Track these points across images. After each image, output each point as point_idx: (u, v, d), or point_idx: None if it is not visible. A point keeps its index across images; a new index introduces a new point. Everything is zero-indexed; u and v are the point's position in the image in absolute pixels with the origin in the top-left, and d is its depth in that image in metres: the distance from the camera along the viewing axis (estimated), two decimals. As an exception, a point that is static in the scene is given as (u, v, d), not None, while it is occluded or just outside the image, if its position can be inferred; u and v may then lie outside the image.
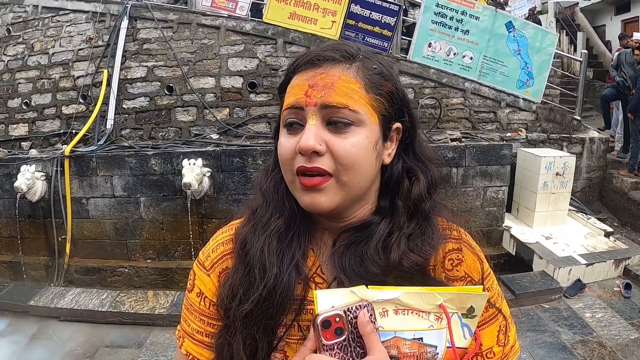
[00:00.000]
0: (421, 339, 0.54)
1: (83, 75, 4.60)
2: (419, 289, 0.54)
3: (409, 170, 0.63)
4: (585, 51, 4.87)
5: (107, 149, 4.12)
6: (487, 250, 4.21)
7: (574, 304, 3.56)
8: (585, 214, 4.59)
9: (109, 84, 4.37)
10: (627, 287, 3.61)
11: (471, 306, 0.55)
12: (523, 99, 4.43)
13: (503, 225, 4.17)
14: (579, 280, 3.70)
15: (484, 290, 0.57)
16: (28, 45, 4.99)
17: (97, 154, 3.99)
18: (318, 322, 0.50)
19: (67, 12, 4.84)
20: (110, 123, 4.32)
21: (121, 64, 4.40)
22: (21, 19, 5.07)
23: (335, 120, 0.56)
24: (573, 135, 4.57)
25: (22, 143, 4.86)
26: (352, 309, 0.51)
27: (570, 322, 3.32)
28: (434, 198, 0.64)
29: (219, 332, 0.64)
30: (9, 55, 5.07)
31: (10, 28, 5.13)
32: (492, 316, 0.64)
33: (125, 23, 4.48)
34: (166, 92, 4.22)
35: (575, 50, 6.12)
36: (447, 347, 0.55)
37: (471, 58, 4.23)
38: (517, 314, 3.43)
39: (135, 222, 3.96)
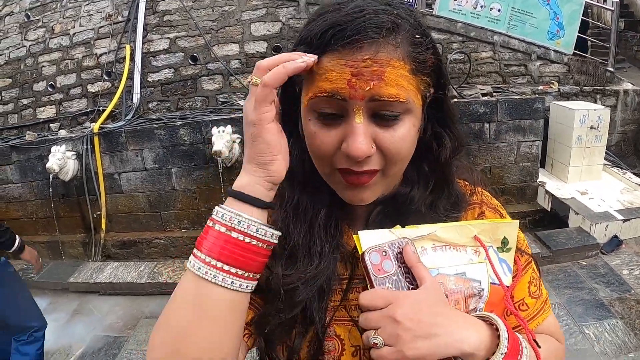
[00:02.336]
0: (464, 273, 0.53)
1: (106, 53, 4.61)
2: (452, 223, 0.54)
3: (437, 135, 0.59)
4: (617, 0, 4.66)
5: (135, 123, 4.15)
6: (522, 207, 4.13)
7: (611, 261, 3.49)
8: (621, 168, 4.47)
9: (132, 59, 4.38)
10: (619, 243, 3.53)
11: (504, 237, 0.55)
12: (554, 50, 4.28)
13: (537, 180, 4.09)
14: (615, 236, 3.63)
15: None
16: (48, 28, 5.01)
17: (126, 129, 4.02)
18: (367, 257, 0.49)
19: (84, -9, 4.83)
20: (136, 97, 4.34)
21: (143, 38, 4.39)
22: (39, 3, 5.09)
23: (383, 114, 0.50)
24: (606, 88, 4.42)
25: (50, 125, 4.93)
26: (395, 243, 0.51)
27: (608, 279, 3.27)
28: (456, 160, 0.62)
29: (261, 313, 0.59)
30: (31, 40, 5.10)
31: (29, 13, 5.16)
32: (526, 264, 0.62)
33: (143, -4, 4.45)
34: (190, 62, 4.20)
35: (605, 0, 5.88)
36: (491, 283, 0.54)
37: (499, 10, 4.09)
38: (554, 270, 3.39)
39: (168, 193, 4.01)
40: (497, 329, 0.48)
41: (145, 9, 4.44)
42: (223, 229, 0.50)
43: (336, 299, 0.58)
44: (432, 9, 4.19)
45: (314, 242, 0.57)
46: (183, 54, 4.24)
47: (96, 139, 4.06)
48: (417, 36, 0.51)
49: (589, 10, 5.47)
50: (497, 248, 0.55)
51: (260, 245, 0.50)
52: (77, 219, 4.36)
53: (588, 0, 4.66)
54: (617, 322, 2.79)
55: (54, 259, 4.45)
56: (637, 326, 2.77)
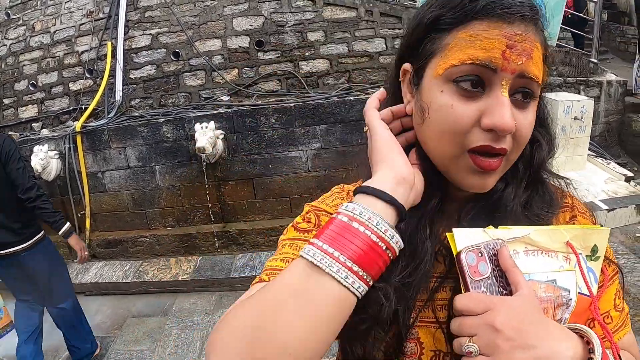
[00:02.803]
0: (554, 281, 0.51)
1: (87, 50, 4.54)
2: (545, 227, 0.52)
3: (533, 135, 0.56)
4: (600, -8, 4.68)
5: (117, 120, 4.10)
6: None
7: (596, 250, 3.52)
8: (605, 158, 4.50)
9: (114, 56, 4.32)
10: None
11: (595, 245, 0.53)
12: (537, 42, 4.30)
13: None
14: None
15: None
16: (29, 26, 4.93)
17: (109, 127, 3.97)
18: (463, 257, 0.47)
19: (64, -13, 4.76)
20: (118, 95, 4.28)
21: (124, 35, 4.33)
22: (19, 1, 5.00)
23: (524, 93, 0.49)
24: (590, 79, 4.45)
25: (32, 124, 4.85)
26: (490, 245, 0.48)
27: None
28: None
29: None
30: (11, 39, 5.02)
31: (9, 11, 5.07)
32: (613, 274, 0.60)
33: (124, -7, 4.39)
34: (172, 58, 4.16)
35: (589, -9, 5.92)
36: (579, 292, 0.52)
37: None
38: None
39: (152, 191, 3.97)
40: (588, 343, 0.46)
41: (127, 5, 4.38)
42: (345, 219, 0.47)
43: (422, 297, 0.55)
44: (415, 1, 4.19)
45: (419, 241, 0.53)
46: (165, 50, 4.19)
47: (79, 138, 4.01)
48: (544, 24, 0.52)
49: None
50: (586, 256, 0.53)
51: (379, 243, 0.46)
52: (61, 219, 4.29)
53: (571, -8, 4.69)
54: None
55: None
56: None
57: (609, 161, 4.42)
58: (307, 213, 0.63)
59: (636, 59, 5.21)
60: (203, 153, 3.51)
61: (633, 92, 4.94)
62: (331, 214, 0.58)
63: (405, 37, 0.56)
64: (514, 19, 0.46)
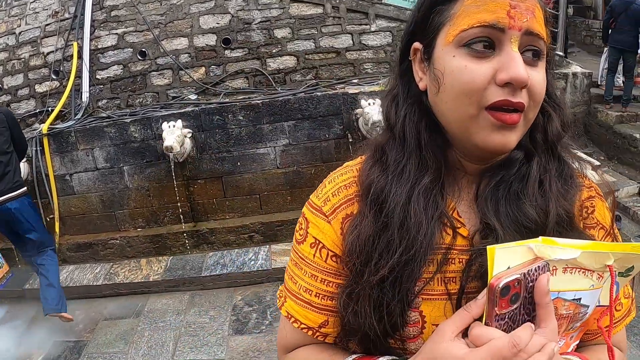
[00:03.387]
0: (580, 299, 0.50)
1: (53, 51, 4.46)
2: (594, 248, 0.48)
3: (541, 107, 0.56)
4: (565, -14, 4.79)
5: (85, 122, 4.04)
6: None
7: (566, 238, 3.60)
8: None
9: (80, 57, 4.25)
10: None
11: (632, 266, 0.51)
12: (503, 36, 4.38)
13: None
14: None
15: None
16: (-7, 27, 4.82)
17: (76, 129, 3.91)
18: (498, 289, 0.43)
19: (29, -12, 4.67)
20: (85, 96, 4.22)
21: (90, 35, 4.27)
22: (-17, 3, 4.89)
23: (532, 50, 0.50)
24: (556, 71, 4.54)
25: (-1, 128, 4.75)
26: (531, 271, 0.44)
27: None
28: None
29: (341, 291, 0.56)
30: (-25, 41, 4.90)
31: (-27, 13, 4.95)
32: None
33: (90, -8, 4.33)
34: (139, 57, 4.11)
35: (554, -14, 6.05)
36: (597, 305, 0.52)
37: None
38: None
39: (121, 192, 3.92)
40: None
41: (92, 4, 4.31)
42: None
43: (430, 270, 0.54)
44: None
45: (412, 211, 0.53)
46: (132, 49, 4.14)
47: (45, 140, 3.93)
48: None
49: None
50: (619, 273, 0.52)
51: None
52: (30, 223, 4.21)
53: (536, -13, 4.78)
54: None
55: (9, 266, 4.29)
56: None
57: (576, 151, 4.53)
58: (302, 215, 0.62)
59: (604, 51, 5.32)
60: (171, 152, 3.48)
61: (598, 83, 5.05)
62: (328, 216, 0.59)
63: (412, 18, 0.57)
64: None
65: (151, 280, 3.71)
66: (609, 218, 0.62)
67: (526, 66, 0.49)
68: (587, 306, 0.51)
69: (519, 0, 0.49)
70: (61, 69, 4.41)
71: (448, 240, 0.54)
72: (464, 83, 0.49)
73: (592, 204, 0.61)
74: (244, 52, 3.97)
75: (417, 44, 0.56)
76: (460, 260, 0.54)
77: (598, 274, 0.50)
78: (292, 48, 3.95)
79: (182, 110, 3.72)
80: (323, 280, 0.58)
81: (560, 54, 4.66)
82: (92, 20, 4.28)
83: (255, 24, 3.95)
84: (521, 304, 0.45)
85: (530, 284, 0.45)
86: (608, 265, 0.49)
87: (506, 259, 0.45)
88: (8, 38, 4.74)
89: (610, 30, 4.98)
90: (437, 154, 0.55)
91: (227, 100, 3.82)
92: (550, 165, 0.56)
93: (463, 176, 0.58)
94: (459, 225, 0.55)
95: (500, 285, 0.43)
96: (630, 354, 2.52)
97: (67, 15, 4.46)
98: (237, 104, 3.63)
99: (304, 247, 0.60)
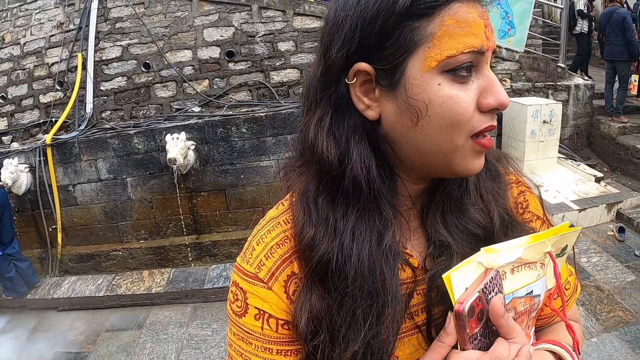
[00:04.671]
0: (532, 292, 0.50)
1: (57, 62, 4.49)
2: (531, 239, 0.49)
3: None
4: (566, -2, 4.82)
5: (88, 133, 4.05)
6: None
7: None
8: (575, 160, 4.60)
9: (84, 68, 4.28)
10: (621, 230, 3.63)
11: (566, 245, 0.53)
12: (505, 48, 4.39)
13: (493, 176, 4.17)
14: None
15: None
16: (-2, 38, 4.86)
17: (79, 139, 3.93)
18: (465, 312, 0.42)
19: (34, -1, 4.71)
20: (89, 107, 4.24)
21: (95, 46, 4.29)
22: (-12, 13, 4.93)
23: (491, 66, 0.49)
24: (558, 83, 4.56)
25: (2, 137, 4.76)
26: (487, 285, 0.45)
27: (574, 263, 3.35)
28: None
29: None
30: (-20, 51, 4.93)
31: (-22, 23, 4.99)
32: None
33: (95, 4, 4.36)
34: (143, 69, 4.13)
35: (555, -2, 6.10)
36: (546, 291, 0.53)
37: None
38: (514, 262, 3.46)
39: (124, 204, 3.92)
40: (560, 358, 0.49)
41: (97, 16, 4.35)
42: None
43: (399, 309, 0.50)
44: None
45: (378, 277, 0.48)
46: (136, 61, 4.16)
47: (49, 151, 3.95)
48: None
49: (540, 10, 5.64)
50: (556, 255, 0.53)
51: None
52: (32, 233, 4.21)
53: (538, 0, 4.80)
54: (579, 309, 2.85)
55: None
56: (598, 311, 2.84)
57: (578, 163, 4.52)
58: (235, 285, 0.54)
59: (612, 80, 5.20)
60: (174, 164, 3.49)
61: (609, 112, 4.99)
62: (267, 282, 0.51)
63: (351, 31, 0.45)
64: None
65: (153, 292, 3.70)
66: (540, 206, 0.62)
67: None
68: (539, 295, 0.52)
69: (487, 17, 0.46)
70: (65, 79, 4.44)
71: (404, 276, 0.51)
72: (459, 113, 0.45)
73: (524, 198, 0.61)
74: (248, 65, 3.99)
75: (363, 65, 0.46)
76: (419, 291, 0.52)
77: (540, 262, 0.51)
78: (296, 61, 3.97)
79: (186, 123, 3.73)
80: (279, 351, 0.52)
81: (562, 66, 4.68)
82: (97, 32, 4.31)
83: (259, 37, 3.98)
84: (487, 318, 0.45)
85: (490, 295, 0.45)
86: (547, 252, 0.50)
87: (462, 281, 0.45)
88: (13, 48, 4.77)
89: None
90: (390, 197, 0.50)
91: (230, 112, 3.83)
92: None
93: (404, 200, 0.53)
94: (408, 257, 0.52)
95: (466, 309, 0.43)
96: (621, 354, 2.51)
97: (72, 27, 4.49)
98: (241, 116, 3.65)
99: (247, 320, 0.52)
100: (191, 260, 3.85)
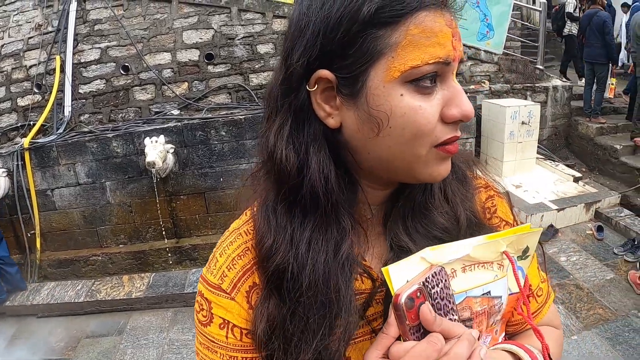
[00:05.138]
0: (489, 292, 0.50)
1: (35, 65, 4.42)
2: (484, 239, 0.49)
3: None
4: (544, 1, 4.89)
5: (67, 136, 4.00)
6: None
7: (549, 249, 3.63)
8: (553, 161, 4.67)
9: (62, 70, 4.22)
10: (600, 229, 3.69)
11: (526, 246, 0.52)
12: (484, 51, 4.44)
13: (473, 177, 4.21)
14: (551, 225, 3.78)
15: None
16: (-25, 40, 4.77)
17: (57, 143, 3.88)
18: (402, 303, 0.43)
19: (12, 0, 4.63)
20: (67, 110, 4.18)
21: (73, 48, 4.24)
22: (-35, 14, 4.84)
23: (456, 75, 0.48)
24: (536, 85, 4.62)
25: (-21, 141, 4.68)
26: (429, 278, 0.45)
27: (546, 267, 3.38)
28: None
29: None
30: (-44, 53, 4.84)
31: (-45, 25, 4.89)
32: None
33: (74, 5, 4.31)
34: (122, 72, 4.10)
35: (534, 1, 6.16)
36: (509, 294, 0.53)
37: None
38: (493, 262, 3.50)
39: (103, 208, 3.89)
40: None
41: (76, 18, 4.29)
42: None
43: (352, 319, 0.50)
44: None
45: (332, 287, 0.48)
46: (115, 64, 4.12)
47: (27, 155, 3.89)
48: None
49: (519, 12, 5.71)
50: (517, 257, 0.52)
51: None
52: (11, 239, 4.14)
53: (517, 2, 4.86)
54: (559, 307, 2.89)
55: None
56: (578, 309, 2.89)
57: (557, 163, 4.59)
58: (200, 295, 0.55)
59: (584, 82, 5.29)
60: (153, 168, 3.47)
61: (587, 113, 5.07)
62: (230, 293, 0.52)
63: (313, 37, 0.44)
64: (444, 3, 0.44)
65: (133, 297, 3.67)
66: (510, 213, 0.62)
67: None
68: (500, 296, 0.51)
69: (455, 26, 0.45)
70: (44, 82, 4.37)
71: (363, 287, 0.51)
72: (421, 125, 0.44)
73: (492, 203, 0.61)
74: (227, 68, 3.98)
75: (325, 73, 0.45)
76: (377, 299, 0.52)
77: (498, 263, 0.51)
78: (275, 63, 3.95)
79: (165, 126, 3.71)
80: (244, 358, 0.53)
81: (541, 67, 4.75)
82: (76, 34, 4.26)
83: (239, 40, 3.97)
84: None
85: (433, 289, 0.45)
86: (503, 252, 0.50)
87: (402, 275, 0.45)
88: (-10, 51, 4.69)
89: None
90: (349, 207, 0.49)
91: (209, 115, 3.82)
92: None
93: (364, 210, 0.53)
94: (368, 269, 0.52)
95: (403, 300, 0.43)
96: (601, 350, 2.55)
97: (50, 29, 4.43)
98: (220, 119, 3.64)
99: (212, 330, 0.53)
100: (171, 265, 3.83)
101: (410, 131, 0.44)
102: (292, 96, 0.47)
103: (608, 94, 5.29)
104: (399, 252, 0.50)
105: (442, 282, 0.45)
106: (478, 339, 0.48)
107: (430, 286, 0.44)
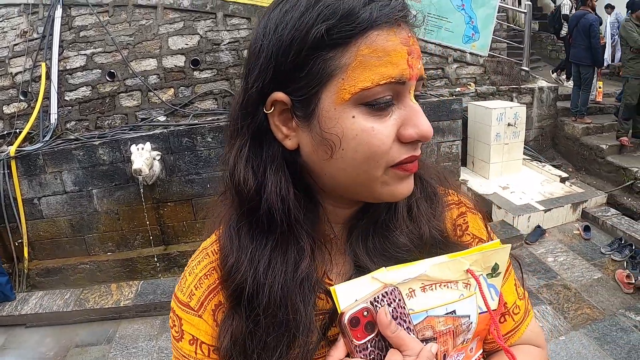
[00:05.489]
0: (454, 311, 0.49)
1: (21, 72, 4.39)
2: (443, 258, 0.48)
3: None
4: (529, 3, 4.93)
5: (53, 144, 3.98)
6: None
7: (536, 250, 3.65)
8: (540, 161, 4.71)
9: (48, 77, 4.20)
10: (587, 229, 3.72)
11: (495, 264, 0.51)
12: (470, 53, 4.48)
13: (459, 179, 4.25)
14: (538, 226, 3.80)
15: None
16: (-41, 47, 4.73)
17: (43, 151, 3.85)
18: (345, 322, 0.43)
19: (-3, 7, 4.61)
20: (54, 117, 4.16)
21: (59, 55, 4.22)
22: (-51, 21, 4.79)
23: (417, 94, 0.47)
24: (522, 86, 4.66)
25: (-35, 150, 4.64)
26: (379, 298, 0.44)
27: (534, 268, 3.40)
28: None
29: None
30: (-59, 61, 4.79)
31: (-61, 32, 4.85)
32: (508, 265, 0.59)
33: (59, 12, 4.29)
34: (108, 78, 4.08)
35: (519, 3, 6.21)
36: (479, 313, 0.51)
37: (414, 16, 4.25)
38: (481, 264, 3.52)
39: (90, 216, 3.87)
40: None
41: (61, 24, 4.27)
42: None
43: (312, 340, 0.49)
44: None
45: (290, 306, 0.48)
46: (100, 70, 4.11)
47: (13, 163, 3.86)
48: None
49: (505, 14, 5.75)
50: (487, 275, 0.51)
51: None
52: (-2, 248, 4.12)
53: (502, 4, 4.90)
54: (547, 308, 2.90)
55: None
56: (566, 310, 2.89)
57: (544, 164, 4.63)
58: (173, 312, 0.57)
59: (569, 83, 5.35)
60: (140, 175, 3.46)
61: (573, 113, 5.13)
62: (197, 310, 0.54)
63: (266, 60, 0.44)
64: (401, 21, 0.43)
65: (122, 305, 3.65)
66: (484, 229, 0.60)
67: None
68: (468, 315, 0.50)
69: (412, 44, 0.44)
70: (29, 89, 4.35)
71: (322, 305, 0.51)
72: (374, 147, 0.43)
73: (464, 220, 0.59)
74: (213, 73, 3.98)
75: (280, 95, 0.45)
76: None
77: (463, 282, 0.50)
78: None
79: (151, 133, 3.70)
80: None
81: (526, 69, 4.79)
82: (61, 41, 4.24)
83: (224, 45, 3.97)
84: (378, 330, 0.44)
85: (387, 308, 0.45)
86: (468, 270, 0.49)
87: (351, 294, 0.45)
88: (-25, 58, 4.65)
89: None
90: (309, 227, 0.49)
91: (196, 121, 3.82)
92: (415, 188, 0.52)
93: (327, 229, 0.52)
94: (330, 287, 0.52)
95: (346, 319, 0.43)
96: (589, 350, 2.55)
97: (35, 36, 4.40)
98: (206, 125, 3.63)
99: (183, 345, 0.56)
100: (159, 272, 3.81)
101: (364, 153, 0.44)
102: (250, 119, 0.47)
103: (597, 98, 5.35)
104: (361, 272, 0.49)
105: (394, 301, 0.45)
106: (441, 356, 0.49)
107: (380, 305, 0.44)
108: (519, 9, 5.60)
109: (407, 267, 0.47)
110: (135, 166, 3.41)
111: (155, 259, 3.79)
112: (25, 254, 3.99)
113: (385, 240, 0.51)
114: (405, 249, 0.51)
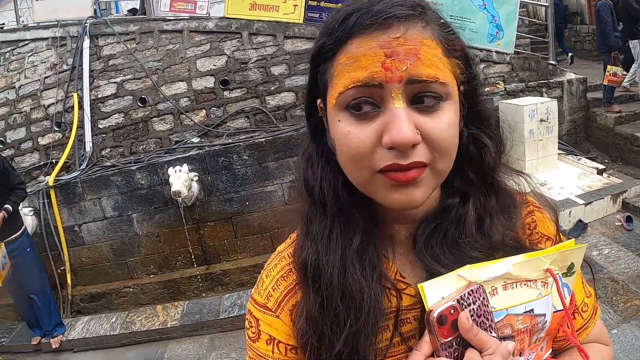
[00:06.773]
0: (532, 310, 0.50)
1: (54, 103, 4.52)
2: (525, 257, 0.49)
3: (474, 137, 0.53)
4: (550, -5, 4.87)
5: (90, 172, 4.07)
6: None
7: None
8: (575, 155, 4.61)
9: (81, 107, 4.30)
10: (629, 220, 3.62)
11: (571, 263, 0.52)
12: (496, 52, 4.43)
13: (496, 179, 4.18)
14: (580, 220, 3.71)
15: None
16: (-8, 83, 4.88)
17: (81, 179, 3.94)
18: (433, 320, 0.44)
19: (26, 42, 4.75)
20: (88, 146, 4.25)
21: (90, 85, 4.33)
22: (-20, 59, 4.96)
23: (423, 97, 0.45)
24: (551, 80, 4.58)
25: (4, 182, 4.77)
26: (465, 296, 0.45)
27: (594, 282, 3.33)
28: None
29: None
30: (-25, 97, 4.95)
31: (-29, 70, 5.02)
32: None
33: (87, 43, 4.41)
34: (139, 104, 4.16)
35: (540, -4, 6.16)
36: (554, 311, 0.52)
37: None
38: (524, 264, 3.46)
39: (131, 240, 3.93)
40: None
41: (90, 55, 4.39)
42: None
43: (386, 337, 0.52)
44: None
45: (350, 278, 0.50)
46: (131, 97, 4.19)
47: (52, 192, 3.96)
48: (442, 20, 0.49)
49: (525, 10, 5.69)
50: (562, 274, 0.52)
51: None
52: (41, 277, 4.21)
53: (523, 0, 4.85)
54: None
55: (22, 321, 4.28)
56: (615, 303, 2.82)
57: (579, 157, 4.53)
58: (250, 314, 0.60)
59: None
60: (179, 197, 3.50)
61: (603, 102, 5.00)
62: (275, 311, 0.56)
63: (309, 72, 0.53)
64: (389, 23, 0.44)
65: (169, 326, 3.68)
66: (553, 227, 0.60)
67: (421, 116, 0.45)
68: (544, 314, 0.51)
69: (397, 44, 0.43)
70: (63, 120, 4.46)
71: (395, 302, 0.52)
72: (351, 149, 0.46)
73: (532, 219, 0.60)
74: (243, 92, 4.02)
75: (319, 101, 0.53)
76: (415, 317, 0.53)
77: (542, 281, 0.50)
78: (290, 84, 4.00)
79: (187, 154, 3.75)
80: None
81: (553, 62, 4.71)
82: (91, 71, 4.35)
83: (252, 63, 4.01)
84: None
85: (470, 307, 0.45)
86: (547, 270, 0.50)
87: (438, 292, 0.46)
88: (8, 92, 4.80)
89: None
90: (362, 212, 0.53)
91: (230, 141, 3.86)
92: (489, 201, 0.53)
93: (397, 231, 0.55)
94: (403, 287, 0.53)
95: (435, 316, 0.44)
96: None
97: (65, 67, 4.53)
98: (241, 144, 3.67)
99: (260, 345, 0.58)
100: (203, 291, 3.84)
101: (345, 155, 0.48)
102: (309, 121, 0.57)
103: (604, 82, 5.22)
104: (432, 275, 0.51)
105: (479, 299, 0.46)
106: (517, 354, 0.49)
107: (466, 303, 0.45)
108: (539, 3, 5.53)
109: (491, 265, 0.48)
110: (174, 188, 3.46)
111: (199, 279, 3.82)
112: (69, 281, 4.06)
113: (458, 252, 0.52)
114: (477, 260, 0.51)
